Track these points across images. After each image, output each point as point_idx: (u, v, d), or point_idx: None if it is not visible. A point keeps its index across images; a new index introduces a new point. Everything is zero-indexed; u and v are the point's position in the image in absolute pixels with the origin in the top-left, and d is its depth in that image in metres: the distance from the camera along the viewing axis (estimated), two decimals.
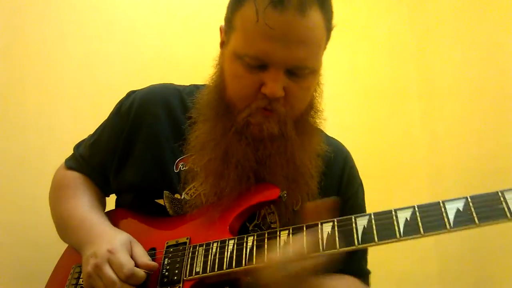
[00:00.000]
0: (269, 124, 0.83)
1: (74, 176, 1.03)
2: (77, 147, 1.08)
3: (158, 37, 1.61)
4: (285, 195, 0.87)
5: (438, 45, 1.89)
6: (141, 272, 0.80)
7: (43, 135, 1.31)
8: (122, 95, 1.05)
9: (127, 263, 0.80)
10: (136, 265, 0.81)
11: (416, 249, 1.76)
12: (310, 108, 0.90)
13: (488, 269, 1.58)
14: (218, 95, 0.88)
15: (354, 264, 0.98)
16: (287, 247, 0.77)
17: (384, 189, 1.74)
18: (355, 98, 1.95)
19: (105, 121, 1.05)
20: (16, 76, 1.30)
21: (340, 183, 1.00)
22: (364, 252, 1.03)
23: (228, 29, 0.86)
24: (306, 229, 0.78)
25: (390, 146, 1.90)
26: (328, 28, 0.85)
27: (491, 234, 1.56)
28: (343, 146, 1.07)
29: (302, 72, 0.82)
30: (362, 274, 1.01)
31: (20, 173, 1.25)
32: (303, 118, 0.89)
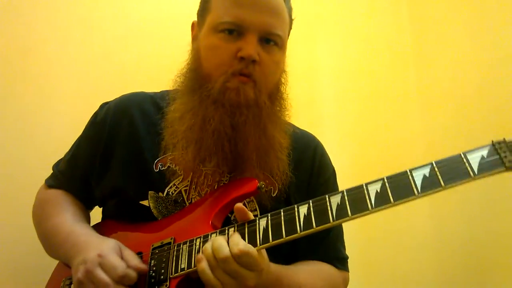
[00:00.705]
0: (246, 89, 0.88)
1: (55, 194, 1.04)
2: (56, 165, 1.09)
3: (154, 39, 1.59)
4: (263, 185, 0.89)
5: (437, 45, 1.91)
6: (133, 273, 0.82)
7: (43, 137, 1.30)
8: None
9: (120, 265, 0.81)
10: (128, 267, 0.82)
11: (415, 249, 1.76)
12: (277, 90, 0.95)
13: (487, 268, 1.59)
14: (194, 71, 0.93)
15: (329, 249, 1.00)
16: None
17: None
18: (355, 98, 1.95)
19: (80, 135, 1.07)
20: (16, 77, 1.30)
21: (312, 170, 1.03)
22: (338, 238, 1.04)
23: (202, 17, 0.94)
24: (283, 213, 0.79)
25: (389, 147, 1.89)
26: (290, 15, 0.94)
27: (491, 234, 1.57)
28: (314, 136, 1.10)
29: (274, 38, 0.90)
30: (338, 259, 1.02)
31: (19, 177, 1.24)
32: (273, 98, 0.93)
